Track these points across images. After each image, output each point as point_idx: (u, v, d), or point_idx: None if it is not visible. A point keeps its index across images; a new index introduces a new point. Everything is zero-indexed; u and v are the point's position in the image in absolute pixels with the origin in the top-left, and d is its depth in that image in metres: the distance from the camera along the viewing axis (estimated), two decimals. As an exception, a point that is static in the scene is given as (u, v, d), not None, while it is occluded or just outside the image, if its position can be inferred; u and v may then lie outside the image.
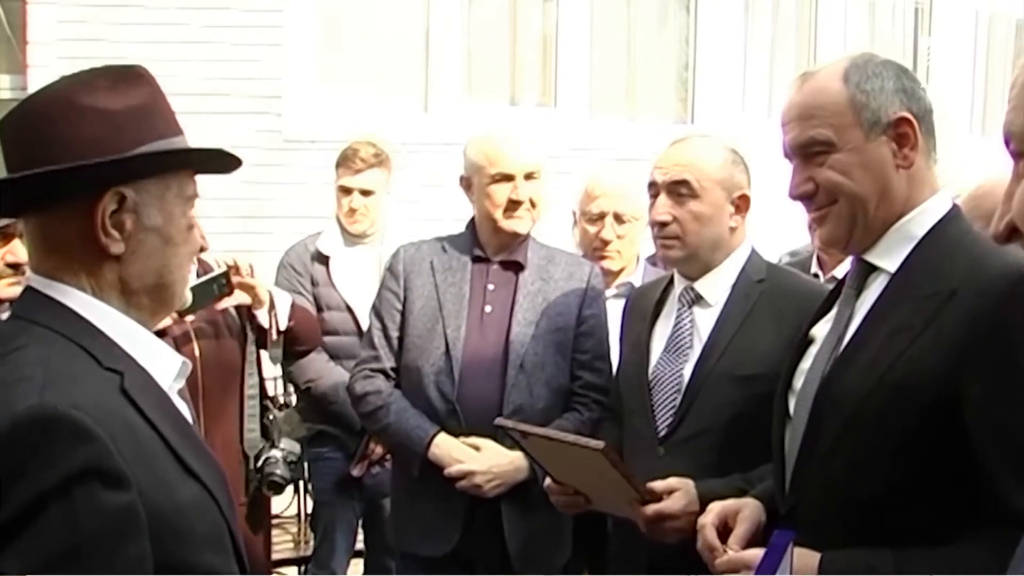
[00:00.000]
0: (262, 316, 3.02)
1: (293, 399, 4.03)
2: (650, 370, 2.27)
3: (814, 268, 3.09)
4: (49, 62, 5.22)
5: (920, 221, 1.61)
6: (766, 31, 7.22)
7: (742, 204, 2.29)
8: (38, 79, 5.24)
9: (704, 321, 2.25)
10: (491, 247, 2.71)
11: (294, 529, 4.19)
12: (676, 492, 2.04)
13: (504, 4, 6.54)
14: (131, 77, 1.35)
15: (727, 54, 6.95)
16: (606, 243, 3.02)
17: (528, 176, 2.64)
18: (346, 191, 3.69)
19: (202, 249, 1.47)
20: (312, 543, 3.87)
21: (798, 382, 1.70)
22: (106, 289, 1.32)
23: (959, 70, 7.73)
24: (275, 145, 5.63)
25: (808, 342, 1.74)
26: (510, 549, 2.59)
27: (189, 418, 1.43)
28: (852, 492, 1.52)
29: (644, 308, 2.40)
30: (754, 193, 2.34)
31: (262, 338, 3.06)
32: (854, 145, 1.61)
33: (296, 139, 5.69)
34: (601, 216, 3.03)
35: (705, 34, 6.92)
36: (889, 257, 1.62)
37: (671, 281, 2.38)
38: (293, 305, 3.18)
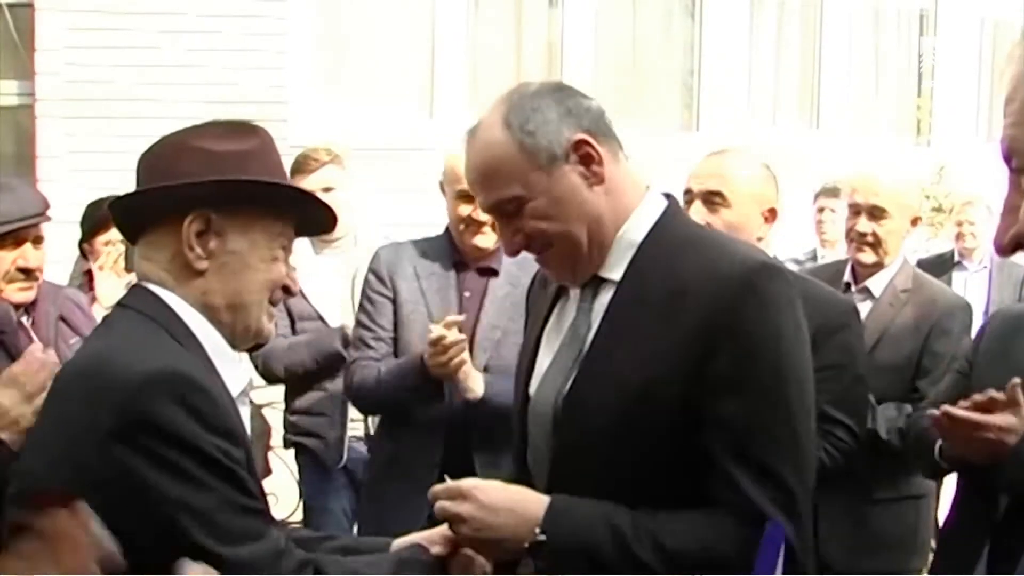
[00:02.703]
0: None
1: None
2: None
3: (846, 277, 3.10)
4: (57, 69, 5.26)
5: (637, 226, 1.60)
6: (771, 37, 7.24)
7: (770, 216, 2.46)
8: (46, 86, 5.27)
9: None
10: (467, 254, 2.70)
11: (300, 535, 4.20)
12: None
13: (509, 12, 6.57)
14: (243, 128, 1.57)
15: (732, 61, 6.96)
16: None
17: None
18: None
19: (289, 291, 1.59)
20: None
21: (534, 398, 1.67)
22: (192, 300, 1.48)
23: (963, 74, 7.73)
24: (280, 152, 5.64)
25: (537, 347, 1.71)
26: None
27: None
28: (610, 499, 1.52)
29: None
30: None
31: None
32: (542, 188, 1.56)
33: (301, 146, 5.70)
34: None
35: (710, 41, 6.94)
36: (615, 268, 1.60)
37: None
38: None
